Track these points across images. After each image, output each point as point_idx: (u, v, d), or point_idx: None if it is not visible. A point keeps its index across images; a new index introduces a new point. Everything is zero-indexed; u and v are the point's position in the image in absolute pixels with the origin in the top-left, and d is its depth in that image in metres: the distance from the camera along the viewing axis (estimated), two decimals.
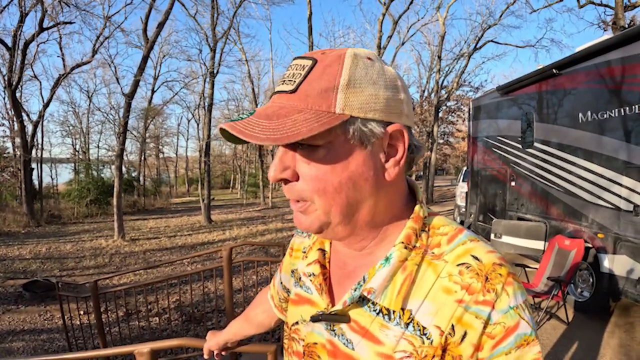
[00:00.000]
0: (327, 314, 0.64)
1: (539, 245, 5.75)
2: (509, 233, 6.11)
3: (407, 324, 0.58)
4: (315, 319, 0.66)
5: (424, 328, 0.57)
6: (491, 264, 0.58)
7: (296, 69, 0.58)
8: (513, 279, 0.57)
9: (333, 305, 0.66)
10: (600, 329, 4.47)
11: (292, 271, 0.83)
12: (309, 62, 0.57)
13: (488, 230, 6.99)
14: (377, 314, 0.60)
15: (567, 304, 4.87)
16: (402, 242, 0.60)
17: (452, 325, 0.56)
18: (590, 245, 4.80)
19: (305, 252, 0.80)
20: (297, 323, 0.74)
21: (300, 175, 0.58)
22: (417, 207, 0.64)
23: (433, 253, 0.61)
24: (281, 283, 0.93)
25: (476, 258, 0.58)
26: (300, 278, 0.77)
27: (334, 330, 0.65)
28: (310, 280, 0.70)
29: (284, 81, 0.58)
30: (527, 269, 5.15)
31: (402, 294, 0.58)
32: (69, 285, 6.58)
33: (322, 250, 0.73)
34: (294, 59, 0.60)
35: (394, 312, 0.59)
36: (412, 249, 0.60)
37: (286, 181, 0.59)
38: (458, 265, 0.58)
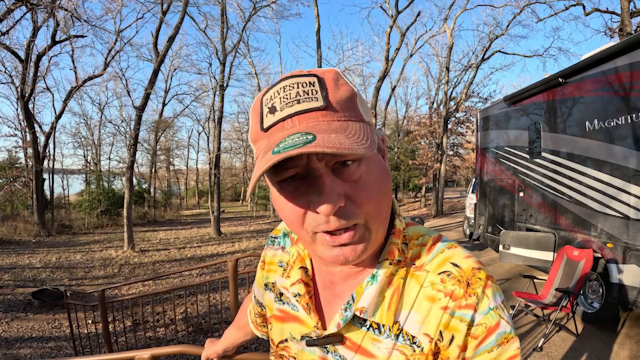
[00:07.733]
0: (322, 338, 0.63)
1: (547, 256, 5.67)
2: (518, 244, 6.04)
3: (397, 335, 0.59)
4: (310, 343, 0.64)
5: (414, 337, 0.59)
6: (470, 269, 0.59)
7: (301, 87, 0.52)
8: (491, 281, 0.59)
9: (323, 323, 0.66)
10: (611, 340, 4.38)
11: (266, 285, 0.81)
12: (312, 79, 0.53)
13: (497, 241, 6.92)
14: (368, 329, 0.61)
15: (576, 315, 4.79)
16: (387, 259, 0.61)
17: (440, 332, 0.57)
18: (599, 255, 4.72)
19: (282, 267, 0.77)
20: (285, 340, 0.73)
21: (351, 195, 0.53)
22: (396, 221, 0.65)
23: (414, 265, 0.62)
24: (255, 297, 0.92)
25: (456, 265, 0.60)
26: (281, 294, 0.75)
27: (326, 348, 0.64)
28: (297, 300, 0.67)
29: (295, 101, 0.51)
30: (535, 280, 5.08)
31: (392, 309, 0.59)
32: (77, 294, 6.65)
33: (304, 269, 0.69)
34: (284, 79, 0.54)
35: (383, 325, 0.60)
36: (396, 264, 0.61)
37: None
38: (439, 273, 0.60)
